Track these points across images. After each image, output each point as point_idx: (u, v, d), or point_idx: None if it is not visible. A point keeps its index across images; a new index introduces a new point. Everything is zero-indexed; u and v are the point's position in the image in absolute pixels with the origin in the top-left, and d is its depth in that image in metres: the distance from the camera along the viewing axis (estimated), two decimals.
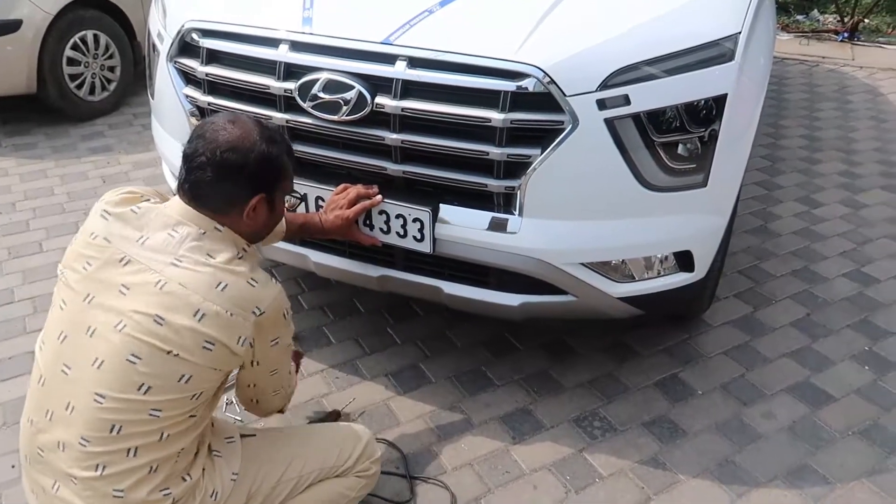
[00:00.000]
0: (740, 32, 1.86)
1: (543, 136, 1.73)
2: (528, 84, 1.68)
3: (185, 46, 2.06)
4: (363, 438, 1.64)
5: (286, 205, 1.54)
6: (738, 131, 1.91)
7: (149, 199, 1.40)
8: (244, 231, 1.42)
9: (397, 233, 1.89)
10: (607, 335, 2.48)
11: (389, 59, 1.77)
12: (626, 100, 1.70)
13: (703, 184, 1.85)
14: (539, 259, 1.83)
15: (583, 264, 1.87)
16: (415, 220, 1.84)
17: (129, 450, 1.27)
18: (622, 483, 1.94)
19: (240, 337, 1.30)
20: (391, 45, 1.78)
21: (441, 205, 1.85)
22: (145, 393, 1.26)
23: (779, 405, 2.22)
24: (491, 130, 1.72)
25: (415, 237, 1.87)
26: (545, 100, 1.69)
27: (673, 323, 2.56)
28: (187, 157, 1.36)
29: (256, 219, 1.41)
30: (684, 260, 1.97)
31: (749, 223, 3.28)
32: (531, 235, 1.81)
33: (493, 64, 1.70)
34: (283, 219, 1.83)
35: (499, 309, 1.98)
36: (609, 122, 1.70)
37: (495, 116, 1.70)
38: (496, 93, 1.70)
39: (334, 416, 2.10)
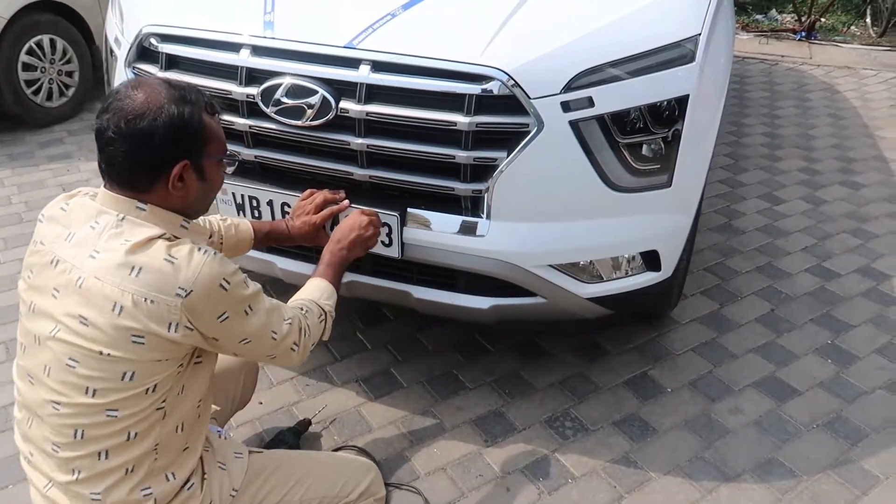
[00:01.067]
0: (700, 34, 1.88)
1: (509, 139, 1.73)
2: (493, 87, 1.68)
3: (144, 52, 2.02)
4: (369, 474, 1.60)
5: (223, 169, 1.39)
6: (701, 131, 1.93)
7: (85, 195, 1.31)
8: (176, 205, 1.29)
9: None
10: (578, 335, 2.49)
11: (353, 63, 1.76)
12: (589, 102, 1.71)
13: (668, 184, 1.87)
14: (507, 262, 1.83)
15: (551, 266, 1.87)
16: (383, 224, 1.83)
17: (98, 453, 1.23)
18: (595, 483, 1.95)
19: (170, 323, 1.19)
20: (354, 48, 1.76)
21: (409, 209, 1.84)
22: (93, 396, 1.20)
23: (746, 400, 2.25)
24: (457, 134, 1.72)
25: (383, 242, 1.85)
26: (510, 103, 1.69)
27: (642, 321, 2.58)
28: (98, 135, 1.23)
29: (186, 189, 1.28)
30: (651, 259, 1.98)
31: (714, 221, 3.34)
32: (499, 238, 1.81)
33: (457, 67, 1.70)
34: (251, 227, 1.79)
35: (469, 312, 1.97)
36: (574, 124, 1.71)
37: (461, 120, 1.69)
38: (461, 96, 1.69)
39: (305, 424, 2.07)
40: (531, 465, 2.00)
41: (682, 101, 1.81)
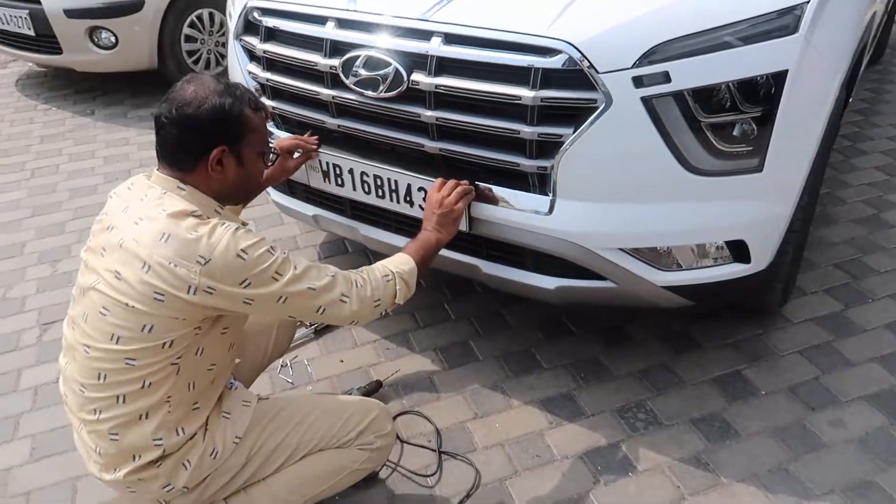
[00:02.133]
0: (807, 2, 1.67)
1: (576, 115, 1.66)
2: (559, 60, 1.61)
3: (249, 24, 2.16)
4: (372, 412, 1.64)
5: (263, 161, 1.55)
6: (804, 112, 1.73)
7: (143, 175, 1.49)
8: (214, 188, 1.46)
9: None
10: (669, 325, 2.36)
11: (425, 35, 1.76)
12: (665, 77, 1.59)
13: (759, 168, 1.70)
14: (574, 242, 1.77)
15: (622, 249, 1.79)
16: None
17: (117, 397, 1.39)
18: (657, 479, 1.86)
19: (189, 286, 1.33)
20: (427, 21, 1.76)
21: (477, 183, 1.83)
22: (117, 342, 1.36)
23: (852, 413, 2.02)
24: (522, 108, 1.68)
25: None
26: (577, 77, 1.62)
27: (747, 316, 2.39)
28: (155, 120, 1.43)
29: (224, 173, 1.45)
30: (738, 250, 1.82)
31: (859, 211, 2.98)
32: (565, 217, 1.75)
33: (524, 40, 1.65)
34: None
35: (535, 291, 1.94)
36: (646, 101, 1.60)
37: (526, 94, 1.65)
38: (527, 69, 1.64)
39: (375, 385, 2.16)
40: (592, 452, 1.94)
41: (779, 78, 1.63)
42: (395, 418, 2.05)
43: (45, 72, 5.16)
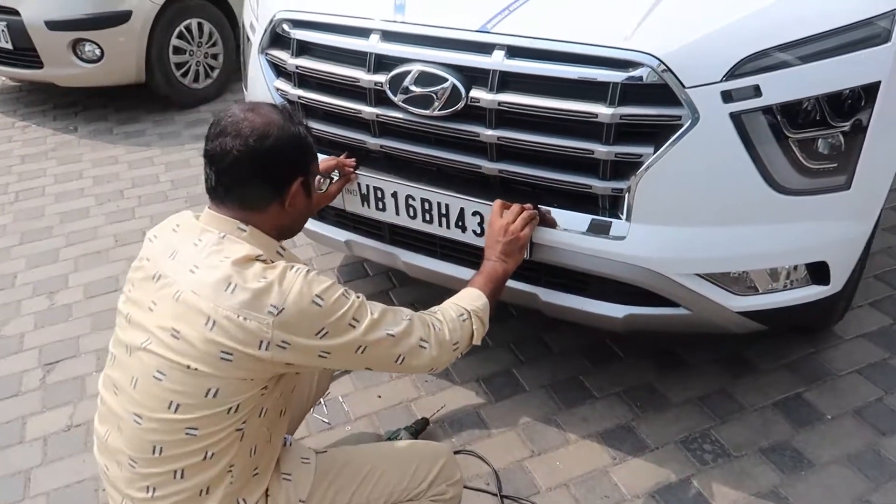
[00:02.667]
0: None
1: (657, 133, 1.54)
2: (641, 74, 1.49)
3: (276, 38, 2.00)
4: (440, 459, 1.50)
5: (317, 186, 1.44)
6: (894, 125, 1.64)
7: (190, 216, 1.33)
8: (280, 225, 1.33)
9: None
10: (720, 346, 2.25)
11: (486, 48, 1.63)
12: (756, 91, 1.48)
13: (846, 186, 1.60)
14: (648, 268, 1.65)
15: (698, 275, 1.67)
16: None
17: (175, 472, 1.22)
18: None
19: (261, 341, 1.17)
20: (488, 32, 1.63)
21: (540, 207, 1.70)
22: (175, 411, 1.19)
23: None
24: (597, 126, 1.55)
25: None
26: (660, 92, 1.50)
27: (797, 334, 2.30)
28: (215, 158, 1.26)
29: (296, 206, 1.33)
30: (818, 271, 1.72)
31: (892, 219, 2.92)
32: (641, 242, 1.63)
33: (601, 52, 1.53)
34: None
35: (600, 320, 1.81)
36: (735, 117, 1.49)
37: (602, 111, 1.52)
38: (604, 84, 1.52)
39: (423, 423, 2.01)
40: (664, 490, 1.82)
41: (870, 90, 1.54)
42: None
43: (20, 86, 4.89)
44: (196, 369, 1.17)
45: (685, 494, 1.81)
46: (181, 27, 4.20)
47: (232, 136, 1.24)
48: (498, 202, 1.68)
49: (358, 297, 1.29)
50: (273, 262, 1.25)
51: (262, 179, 1.26)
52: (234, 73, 4.61)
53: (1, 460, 1.99)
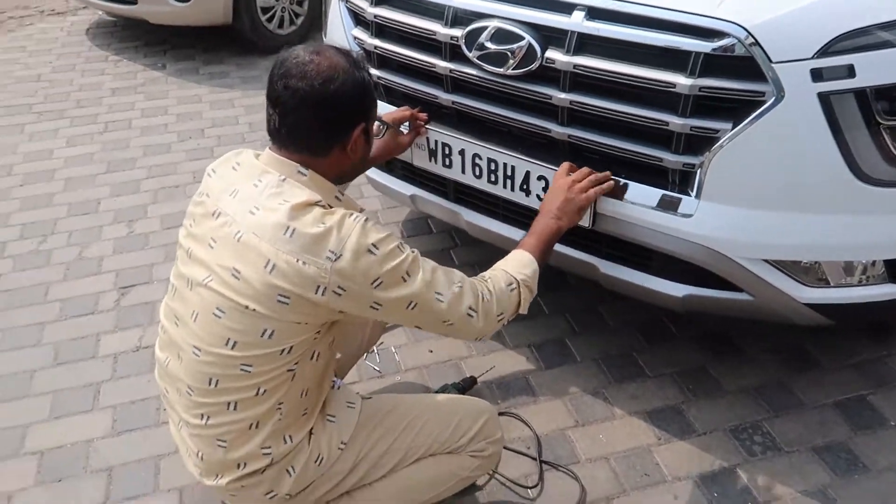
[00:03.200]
0: None
1: (737, 108, 1.47)
2: (726, 45, 1.42)
3: None
4: (483, 416, 1.51)
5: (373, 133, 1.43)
6: None
7: (250, 154, 1.35)
8: (343, 169, 1.34)
9: None
10: (783, 337, 2.17)
11: (566, 8, 1.59)
12: (849, 71, 1.39)
13: None
14: (714, 249, 1.60)
15: (766, 261, 1.61)
16: None
17: (228, 403, 1.27)
18: None
19: (317, 286, 1.18)
20: None
21: (613, 176, 1.66)
22: (232, 348, 1.23)
23: None
24: (675, 97, 1.50)
25: None
26: (745, 65, 1.43)
27: (868, 334, 2.19)
28: (279, 100, 1.25)
29: (357, 151, 1.33)
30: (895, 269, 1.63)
31: None
32: (708, 221, 1.58)
33: (686, 20, 1.46)
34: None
35: (658, 297, 1.77)
36: (824, 98, 1.41)
37: (681, 81, 1.47)
38: (686, 53, 1.46)
39: (470, 382, 2.03)
40: (707, 476, 1.79)
41: None
42: None
43: (115, 22, 5.08)
44: (254, 310, 1.20)
45: (728, 483, 1.77)
46: None
47: (297, 78, 1.23)
48: (566, 163, 1.65)
49: (412, 252, 1.30)
50: (332, 207, 1.27)
51: (326, 123, 1.26)
52: (317, 20, 4.64)
53: (75, 372, 2.13)
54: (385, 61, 1.98)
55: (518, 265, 1.50)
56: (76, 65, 4.44)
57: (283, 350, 1.24)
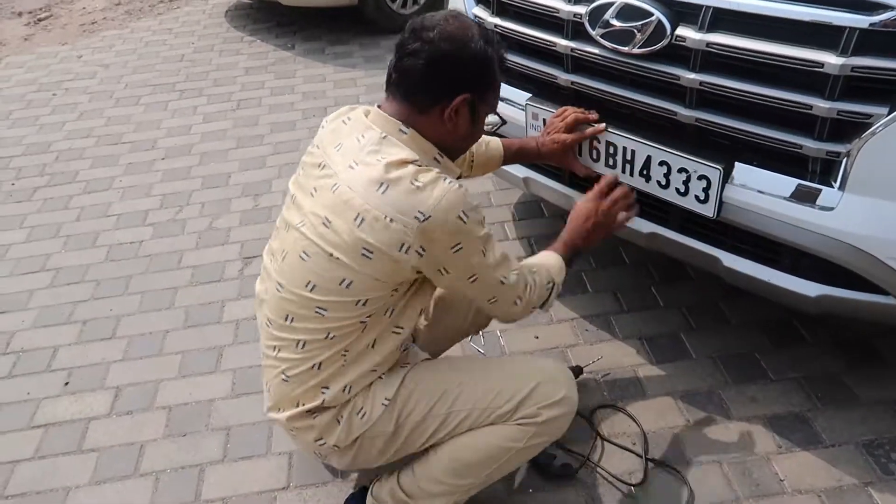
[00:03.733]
0: None
1: (894, 91, 1.32)
2: (889, 19, 1.27)
3: None
4: (532, 380, 1.39)
5: (487, 126, 1.41)
6: None
7: (361, 111, 1.36)
8: (441, 139, 1.32)
9: (677, 189, 1.64)
10: None
11: None
12: None
13: None
14: (858, 247, 1.45)
15: None
16: (700, 177, 1.57)
17: (298, 341, 1.33)
18: None
19: (402, 244, 1.20)
20: None
21: (736, 163, 1.54)
22: (311, 290, 1.28)
23: None
24: (821, 78, 1.36)
25: (697, 197, 1.60)
26: None
27: None
28: (401, 45, 1.28)
29: (457, 123, 1.31)
30: None
31: None
32: (853, 216, 1.43)
33: None
34: (501, 144, 1.76)
35: (788, 296, 1.63)
36: None
37: (830, 60, 1.33)
38: (838, 29, 1.32)
39: (576, 371, 1.97)
40: (832, 492, 1.64)
41: None
42: (594, 411, 1.87)
43: (251, 4, 5.32)
44: (338, 258, 1.24)
45: (856, 502, 1.62)
46: None
47: (424, 29, 1.26)
48: (598, 187, 1.62)
49: (490, 230, 1.31)
50: (428, 167, 1.26)
51: (432, 78, 1.26)
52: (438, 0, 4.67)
53: (201, 336, 2.27)
54: (504, 40, 1.93)
55: (556, 268, 1.52)
56: (214, 45, 4.71)
57: (358, 301, 1.27)
